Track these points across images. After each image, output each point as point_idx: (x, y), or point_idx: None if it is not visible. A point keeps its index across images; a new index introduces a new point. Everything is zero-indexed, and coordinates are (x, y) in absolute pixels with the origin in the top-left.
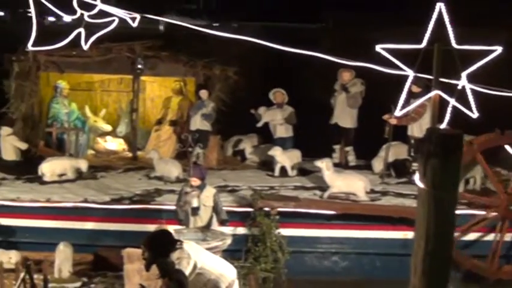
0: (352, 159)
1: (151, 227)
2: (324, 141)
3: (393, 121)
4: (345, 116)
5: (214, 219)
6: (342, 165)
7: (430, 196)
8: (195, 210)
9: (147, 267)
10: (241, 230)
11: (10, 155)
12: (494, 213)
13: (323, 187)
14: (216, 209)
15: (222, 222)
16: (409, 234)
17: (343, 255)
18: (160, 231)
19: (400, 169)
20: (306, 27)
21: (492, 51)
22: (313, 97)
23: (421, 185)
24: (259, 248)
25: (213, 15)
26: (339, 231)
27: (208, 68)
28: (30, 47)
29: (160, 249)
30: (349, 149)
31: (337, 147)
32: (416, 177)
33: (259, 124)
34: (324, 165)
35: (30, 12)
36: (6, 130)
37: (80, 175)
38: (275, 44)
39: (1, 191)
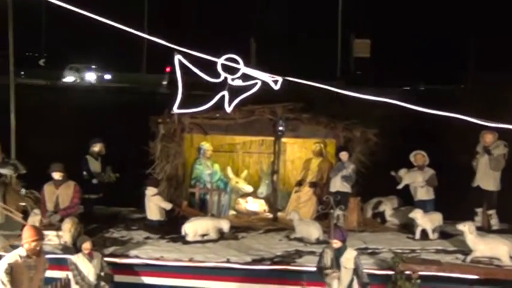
0: (495, 222)
1: None
2: (465, 204)
3: None
4: (487, 178)
5: (355, 282)
6: (484, 229)
7: None
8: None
9: None
10: None
11: (155, 215)
12: None
13: (465, 251)
14: (356, 271)
15: (363, 285)
16: None
17: None
18: None
19: None
20: (446, 89)
21: None
22: (455, 159)
23: None
24: None
25: (353, 78)
26: None
27: (348, 130)
28: (175, 109)
29: None
30: (492, 212)
31: (479, 210)
32: None
33: (400, 186)
34: (466, 228)
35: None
36: (152, 190)
37: (221, 235)
38: (416, 106)
39: (145, 250)
